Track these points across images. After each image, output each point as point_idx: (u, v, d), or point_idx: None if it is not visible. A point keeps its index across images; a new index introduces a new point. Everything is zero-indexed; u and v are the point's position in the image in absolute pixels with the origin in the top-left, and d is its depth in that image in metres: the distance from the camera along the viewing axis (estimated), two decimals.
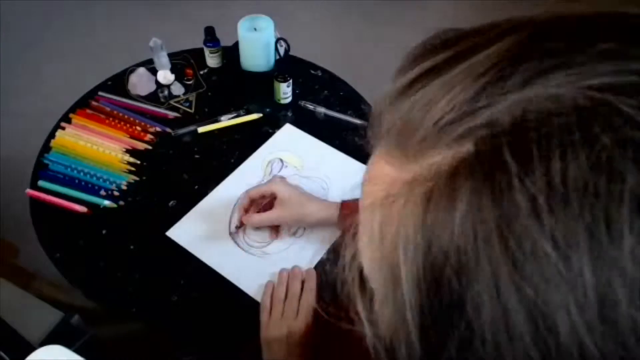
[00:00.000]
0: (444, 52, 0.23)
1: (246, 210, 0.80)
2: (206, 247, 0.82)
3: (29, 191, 0.87)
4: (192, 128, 0.98)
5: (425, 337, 0.21)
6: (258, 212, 0.81)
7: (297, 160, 0.92)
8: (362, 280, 0.27)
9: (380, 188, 0.23)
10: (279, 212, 0.78)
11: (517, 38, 0.21)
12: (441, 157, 0.20)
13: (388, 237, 0.22)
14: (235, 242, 0.82)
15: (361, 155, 0.95)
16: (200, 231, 0.84)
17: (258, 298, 0.76)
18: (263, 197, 0.80)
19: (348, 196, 0.82)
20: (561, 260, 0.17)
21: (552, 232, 0.17)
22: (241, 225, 0.81)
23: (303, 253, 0.81)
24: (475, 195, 0.19)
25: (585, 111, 0.18)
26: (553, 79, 0.19)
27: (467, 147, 0.20)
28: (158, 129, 0.98)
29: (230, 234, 0.83)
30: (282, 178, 0.83)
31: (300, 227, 0.84)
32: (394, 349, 0.23)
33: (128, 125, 0.98)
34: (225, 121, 0.99)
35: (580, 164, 0.17)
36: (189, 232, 0.84)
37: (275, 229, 0.83)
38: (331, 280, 0.79)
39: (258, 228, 0.83)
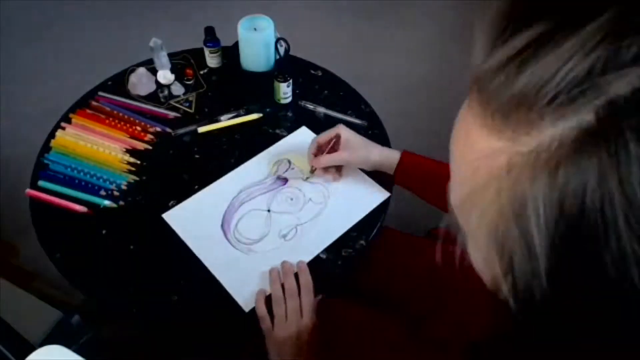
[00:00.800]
0: (543, 21, 0.23)
1: (314, 155, 0.87)
2: (196, 235, 0.83)
3: (29, 191, 0.87)
4: (192, 128, 0.98)
5: (555, 283, 0.24)
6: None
7: (304, 163, 0.92)
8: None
9: (491, 162, 0.25)
10: (345, 153, 0.85)
11: (622, 8, 0.22)
12: (561, 129, 0.22)
13: (512, 204, 0.24)
14: (225, 236, 0.83)
15: None
16: (194, 219, 0.85)
17: (234, 292, 0.77)
18: (329, 142, 0.86)
19: (350, 208, 0.85)
20: None
21: None
22: (313, 171, 0.89)
23: (291, 255, 0.81)
24: (600, 163, 0.21)
25: None
26: None
27: (589, 118, 0.21)
28: (158, 129, 0.98)
29: (222, 227, 0.83)
30: (342, 126, 0.87)
31: (295, 207, 0.87)
32: (526, 296, 0.26)
33: (128, 125, 0.98)
34: (225, 121, 0.99)
35: None
36: (184, 218, 0.85)
37: (338, 172, 0.90)
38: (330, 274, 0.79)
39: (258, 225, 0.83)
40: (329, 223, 0.85)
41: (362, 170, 0.91)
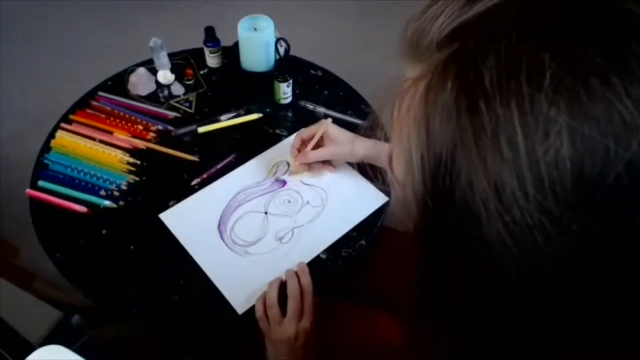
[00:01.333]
0: None
1: (298, 151, 0.86)
2: (193, 236, 0.83)
3: (29, 191, 0.87)
4: (192, 128, 0.98)
5: (427, 208, 0.28)
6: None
7: (303, 166, 0.92)
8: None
9: (408, 91, 0.30)
10: (331, 148, 0.85)
11: None
12: (438, 56, 0.28)
13: (406, 124, 0.29)
14: (221, 237, 0.83)
15: None
16: (191, 219, 0.85)
17: (228, 294, 0.77)
18: (312, 137, 0.85)
19: (348, 212, 0.85)
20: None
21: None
22: (297, 165, 0.87)
23: (286, 259, 0.80)
24: (458, 78, 0.26)
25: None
26: None
27: (455, 45, 0.27)
28: (160, 127, 0.98)
29: (219, 229, 0.83)
30: (329, 119, 0.86)
31: (293, 209, 0.86)
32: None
33: (130, 124, 0.98)
34: (225, 121, 0.99)
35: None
36: (181, 218, 0.85)
37: (327, 166, 0.89)
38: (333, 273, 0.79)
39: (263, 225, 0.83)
40: (326, 227, 0.84)
41: (362, 173, 0.91)
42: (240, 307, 0.76)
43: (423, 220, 0.30)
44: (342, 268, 0.81)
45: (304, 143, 0.87)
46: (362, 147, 0.84)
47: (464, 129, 0.25)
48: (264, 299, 0.75)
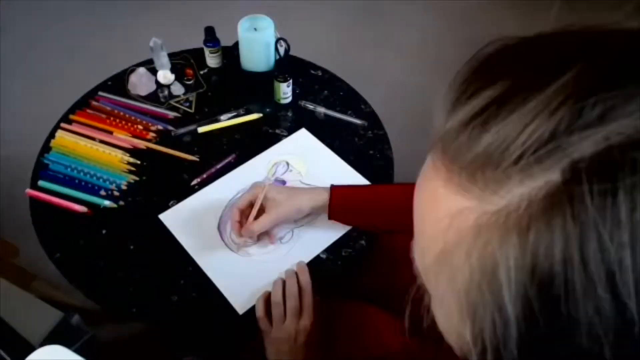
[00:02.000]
0: (504, 80, 0.23)
1: (240, 224, 0.79)
2: (192, 236, 0.83)
3: (29, 191, 0.87)
4: (192, 127, 0.98)
5: (525, 350, 0.23)
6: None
7: (302, 166, 0.92)
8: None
9: (458, 222, 0.25)
10: (274, 213, 0.78)
11: (586, 66, 0.22)
12: (530, 189, 0.22)
13: (482, 267, 0.23)
14: (221, 237, 0.83)
15: (361, 155, 0.95)
16: (191, 220, 0.85)
17: (228, 294, 0.77)
18: (250, 205, 0.79)
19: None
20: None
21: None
22: (243, 240, 0.80)
23: (286, 259, 0.80)
24: (565, 225, 0.20)
25: None
26: (628, 111, 0.20)
27: (555, 178, 0.21)
28: (160, 127, 0.98)
29: (219, 229, 0.83)
30: (259, 182, 0.83)
31: (298, 222, 0.84)
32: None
33: (130, 124, 0.98)
34: (225, 121, 0.99)
35: None
36: (181, 219, 0.85)
37: (271, 233, 0.82)
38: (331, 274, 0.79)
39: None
40: (325, 227, 0.84)
41: (363, 175, 0.91)
42: (240, 308, 0.76)
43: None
44: (342, 268, 0.81)
45: (243, 213, 0.80)
46: (306, 200, 0.79)
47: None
48: (265, 298, 0.75)
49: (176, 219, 0.85)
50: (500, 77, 0.24)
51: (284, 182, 0.90)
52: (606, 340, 0.20)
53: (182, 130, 0.98)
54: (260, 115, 1.01)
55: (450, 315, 0.28)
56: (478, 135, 0.23)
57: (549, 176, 0.21)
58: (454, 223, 0.25)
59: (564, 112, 0.21)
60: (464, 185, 0.24)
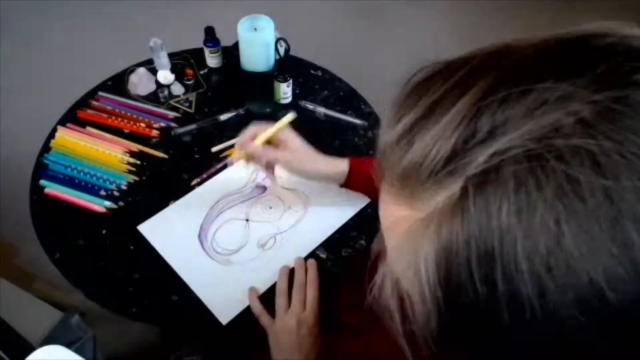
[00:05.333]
0: (422, 101, 0.28)
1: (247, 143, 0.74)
2: (173, 247, 0.81)
3: (47, 190, 0.87)
4: (191, 127, 0.98)
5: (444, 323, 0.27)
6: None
7: (283, 171, 0.91)
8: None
9: (399, 227, 0.29)
10: (286, 154, 0.74)
11: (482, 87, 0.26)
12: (443, 197, 0.26)
13: (412, 259, 0.28)
14: (202, 246, 0.81)
15: (361, 155, 0.95)
16: (171, 230, 0.83)
17: (211, 305, 0.76)
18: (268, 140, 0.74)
19: (330, 215, 0.84)
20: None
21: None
22: (240, 153, 0.74)
23: (269, 266, 0.79)
24: (463, 224, 0.25)
25: (532, 161, 0.23)
26: (508, 130, 0.24)
27: (457, 188, 0.25)
28: (163, 124, 0.98)
29: (199, 238, 0.82)
30: (292, 130, 0.76)
31: (276, 215, 0.83)
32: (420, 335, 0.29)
33: (132, 122, 0.98)
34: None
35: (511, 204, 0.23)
36: (160, 229, 0.83)
37: (271, 171, 0.79)
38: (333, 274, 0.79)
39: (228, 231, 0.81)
40: (308, 231, 0.84)
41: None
42: (223, 318, 0.75)
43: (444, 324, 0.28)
44: (342, 268, 0.81)
45: (254, 137, 0.74)
46: (323, 167, 0.76)
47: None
48: (257, 295, 0.76)
49: (155, 229, 0.83)
50: (419, 100, 0.28)
51: (264, 188, 0.89)
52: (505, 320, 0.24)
53: (181, 130, 0.98)
54: (295, 116, 0.76)
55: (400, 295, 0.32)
56: (404, 152, 0.28)
57: (453, 189, 0.25)
58: (395, 228, 0.30)
59: (462, 131, 0.25)
60: (398, 194, 0.29)
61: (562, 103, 0.24)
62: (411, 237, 0.28)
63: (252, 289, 0.77)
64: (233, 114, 1.01)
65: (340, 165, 0.78)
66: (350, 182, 0.79)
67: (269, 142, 0.74)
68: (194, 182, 0.90)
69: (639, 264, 0.22)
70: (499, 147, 0.24)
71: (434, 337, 0.28)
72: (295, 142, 0.75)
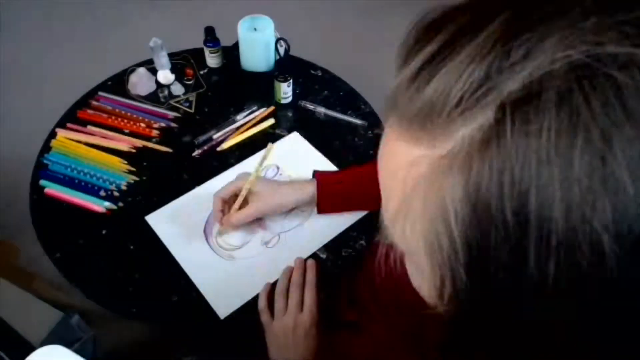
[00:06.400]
0: (442, 35, 0.25)
1: (222, 213, 0.79)
2: (178, 239, 0.82)
3: (47, 190, 0.87)
4: (211, 133, 0.98)
5: (474, 271, 0.25)
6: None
7: (292, 170, 0.91)
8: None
9: (415, 170, 0.26)
10: (255, 205, 0.78)
11: (508, 14, 0.24)
12: (470, 129, 0.23)
13: (437, 210, 0.25)
14: (207, 240, 0.82)
15: (361, 155, 0.95)
16: (177, 222, 0.84)
17: (210, 298, 0.76)
18: (234, 196, 0.79)
19: (336, 217, 0.83)
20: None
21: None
22: (222, 229, 0.81)
23: (272, 264, 0.79)
24: (499, 157, 0.22)
25: (576, 73, 0.21)
26: (548, 47, 0.22)
27: (489, 116, 0.23)
28: (163, 124, 0.98)
29: (205, 232, 0.83)
30: (246, 173, 0.82)
31: (287, 219, 0.84)
32: (444, 293, 0.27)
33: (132, 122, 0.98)
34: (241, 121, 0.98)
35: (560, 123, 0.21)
36: (167, 220, 0.84)
37: (258, 223, 0.83)
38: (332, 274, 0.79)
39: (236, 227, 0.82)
40: (313, 232, 0.84)
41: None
42: (222, 312, 0.75)
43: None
44: (342, 268, 0.81)
45: (226, 203, 0.80)
46: (290, 194, 0.79)
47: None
48: (267, 291, 0.75)
49: (162, 220, 0.84)
50: (438, 33, 0.26)
51: None
52: (553, 259, 0.22)
53: (203, 147, 0.98)
54: (272, 108, 0.95)
55: (418, 266, 0.29)
56: (423, 87, 0.25)
57: (485, 115, 0.23)
58: (410, 173, 0.26)
59: (494, 55, 0.23)
60: (416, 135, 0.26)
61: (602, 22, 0.22)
62: (434, 177, 0.25)
63: (267, 284, 0.76)
64: (247, 112, 1.01)
65: (308, 186, 0.80)
66: (322, 199, 0.80)
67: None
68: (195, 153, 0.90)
69: None
70: (538, 63, 0.22)
71: (459, 296, 0.26)
72: (259, 190, 0.79)
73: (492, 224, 0.23)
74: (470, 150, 0.23)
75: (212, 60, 1.09)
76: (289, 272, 0.77)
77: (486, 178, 0.22)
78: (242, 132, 0.97)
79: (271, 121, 1.00)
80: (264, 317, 0.73)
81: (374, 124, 1.01)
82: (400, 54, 0.28)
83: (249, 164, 0.93)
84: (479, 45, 0.23)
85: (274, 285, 0.77)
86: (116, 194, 0.88)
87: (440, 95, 0.24)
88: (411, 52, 0.27)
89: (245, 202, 0.79)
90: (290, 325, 0.71)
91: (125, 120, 0.98)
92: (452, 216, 0.24)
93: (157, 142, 0.96)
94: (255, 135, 0.98)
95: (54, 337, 1.06)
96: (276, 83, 1.00)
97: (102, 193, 0.87)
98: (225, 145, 0.95)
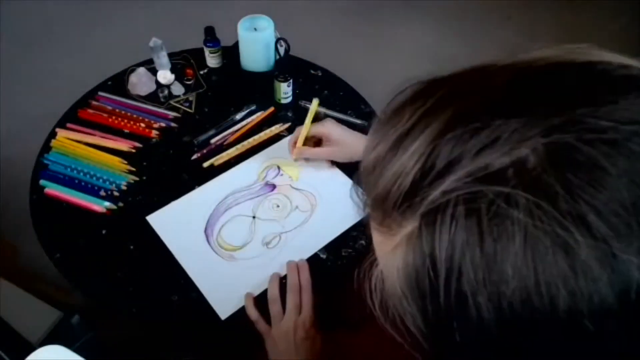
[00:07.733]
0: (393, 133, 0.29)
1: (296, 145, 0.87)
2: (180, 240, 0.82)
3: (47, 190, 0.87)
4: (211, 132, 0.98)
5: (428, 320, 0.29)
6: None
7: (293, 170, 0.91)
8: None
9: (381, 249, 0.32)
10: (332, 150, 0.87)
11: (442, 120, 0.27)
12: (406, 229, 0.28)
13: (392, 274, 0.30)
14: (207, 241, 0.82)
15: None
16: (178, 222, 0.84)
17: (211, 299, 0.76)
18: (313, 135, 0.87)
19: (337, 218, 0.85)
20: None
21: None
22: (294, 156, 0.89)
23: (272, 264, 0.79)
24: (421, 246, 0.27)
25: (468, 203, 0.25)
26: (459, 170, 0.26)
27: (415, 222, 0.27)
28: (163, 124, 0.98)
29: (205, 232, 0.83)
30: (332, 120, 0.89)
31: (280, 216, 0.84)
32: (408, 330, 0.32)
33: (132, 122, 0.98)
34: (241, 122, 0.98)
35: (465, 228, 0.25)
36: (168, 220, 0.84)
37: (328, 163, 0.91)
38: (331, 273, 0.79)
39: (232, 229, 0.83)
40: (314, 233, 0.84)
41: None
42: (223, 313, 0.75)
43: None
44: (342, 268, 0.81)
45: (309, 141, 0.88)
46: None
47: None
48: (253, 301, 0.75)
49: (164, 220, 0.84)
50: (391, 130, 0.30)
51: (274, 187, 0.89)
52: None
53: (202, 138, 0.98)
54: (318, 101, 0.96)
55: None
56: (377, 179, 0.30)
57: (413, 222, 0.27)
58: (381, 247, 0.32)
59: (419, 167, 0.27)
60: (378, 218, 0.31)
61: (509, 143, 0.25)
62: (388, 255, 0.30)
63: (247, 295, 0.76)
64: (245, 112, 1.01)
65: None
66: None
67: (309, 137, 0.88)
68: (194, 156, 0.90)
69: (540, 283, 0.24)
70: (446, 187, 0.26)
71: (424, 335, 0.31)
72: (336, 134, 0.86)
73: (428, 299, 0.28)
74: (406, 243, 0.28)
75: (212, 60, 1.09)
76: (277, 277, 0.77)
77: (415, 271, 0.28)
78: (244, 132, 0.97)
79: (281, 126, 1.00)
80: (261, 326, 0.73)
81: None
82: (373, 133, 0.32)
83: (249, 164, 0.93)
84: (411, 155, 0.27)
85: (262, 294, 0.77)
86: (116, 194, 0.88)
87: (385, 195, 0.29)
88: (375, 138, 0.31)
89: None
90: (290, 328, 0.71)
91: (125, 120, 0.98)
92: (404, 286, 0.29)
93: (156, 142, 0.96)
94: (259, 136, 0.98)
95: (54, 337, 1.05)
96: (276, 83, 1.00)
97: (102, 193, 0.87)
98: (227, 157, 0.94)
